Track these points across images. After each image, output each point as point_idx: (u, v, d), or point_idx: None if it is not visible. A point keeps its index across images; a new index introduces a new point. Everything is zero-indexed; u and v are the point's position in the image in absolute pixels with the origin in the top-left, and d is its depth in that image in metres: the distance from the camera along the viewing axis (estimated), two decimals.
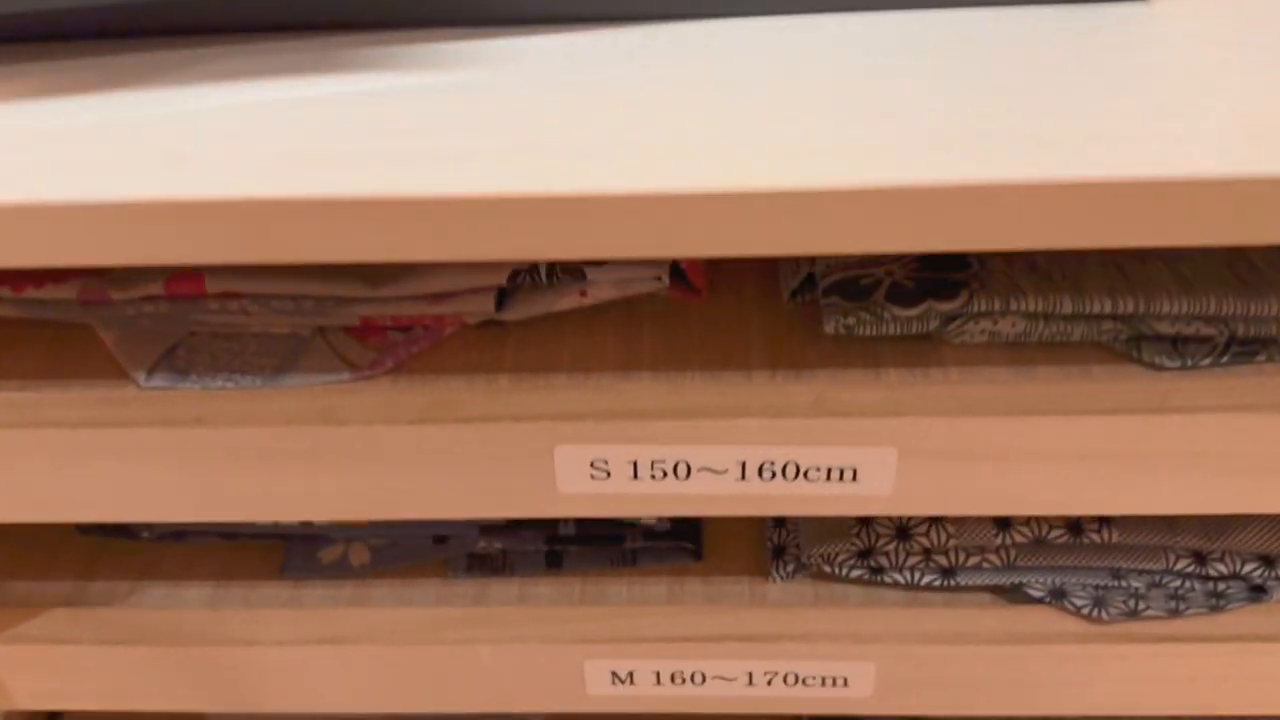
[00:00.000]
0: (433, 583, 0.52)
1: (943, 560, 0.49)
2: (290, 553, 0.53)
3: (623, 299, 0.47)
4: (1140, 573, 0.49)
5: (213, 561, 0.53)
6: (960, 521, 0.49)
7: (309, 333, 0.46)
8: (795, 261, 0.46)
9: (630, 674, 0.48)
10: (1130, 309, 0.41)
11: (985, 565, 0.49)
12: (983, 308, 0.42)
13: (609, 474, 0.41)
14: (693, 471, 0.41)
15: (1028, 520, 0.49)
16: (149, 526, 0.52)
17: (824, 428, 0.39)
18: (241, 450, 0.40)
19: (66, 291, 0.46)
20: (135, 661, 0.49)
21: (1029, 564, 0.49)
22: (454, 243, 0.34)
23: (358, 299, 0.45)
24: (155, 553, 0.54)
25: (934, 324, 0.42)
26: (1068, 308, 0.41)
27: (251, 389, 0.43)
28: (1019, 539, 0.48)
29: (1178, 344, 0.42)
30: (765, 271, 0.48)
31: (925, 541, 0.49)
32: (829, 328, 0.42)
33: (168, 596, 0.52)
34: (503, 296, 0.46)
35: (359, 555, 0.52)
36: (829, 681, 0.48)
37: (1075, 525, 0.48)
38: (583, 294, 0.45)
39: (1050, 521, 0.48)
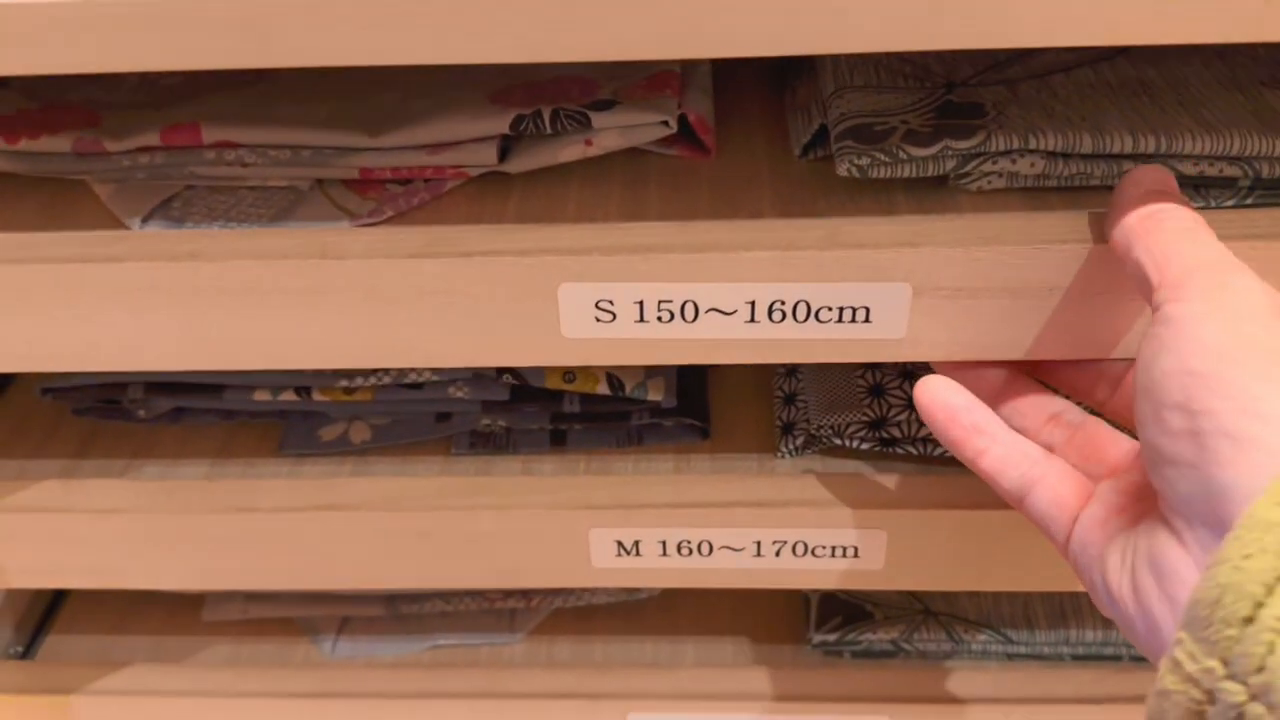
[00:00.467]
0: (436, 459, 0.51)
1: None
2: (289, 430, 0.52)
3: (630, 160, 0.46)
4: None
5: (210, 440, 0.52)
6: None
7: (307, 185, 0.45)
8: (806, 114, 0.45)
9: (636, 544, 0.47)
10: (1151, 148, 0.40)
11: None
12: (1000, 146, 0.40)
13: (614, 316, 0.40)
14: (700, 313, 0.39)
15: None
16: (145, 404, 0.51)
17: (836, 261, 0.38)
18: (237, 286, 0.39)
19: (61, 143, 0.45)
20: (129, 531, 0.48)
21: None
22: (455, 40, 0.33)
23: (357, 149, 0.44)
24: (151, 434, 0.53)
25: (950, 164, 0.41)
26: (1087, 146, 0.40)
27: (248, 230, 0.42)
28: None
29: (1200, 187, 0.41)
30: (775, 130, 0.47)
31: None
32: (841, 169, 0.41)
33: (164, 472, 0.50)
34: (506, 149, 0.44)
35: (360, 433, 0.51)
36: (839, 551, 0.47)
37: None
38: (588, 143, 0.44)
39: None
